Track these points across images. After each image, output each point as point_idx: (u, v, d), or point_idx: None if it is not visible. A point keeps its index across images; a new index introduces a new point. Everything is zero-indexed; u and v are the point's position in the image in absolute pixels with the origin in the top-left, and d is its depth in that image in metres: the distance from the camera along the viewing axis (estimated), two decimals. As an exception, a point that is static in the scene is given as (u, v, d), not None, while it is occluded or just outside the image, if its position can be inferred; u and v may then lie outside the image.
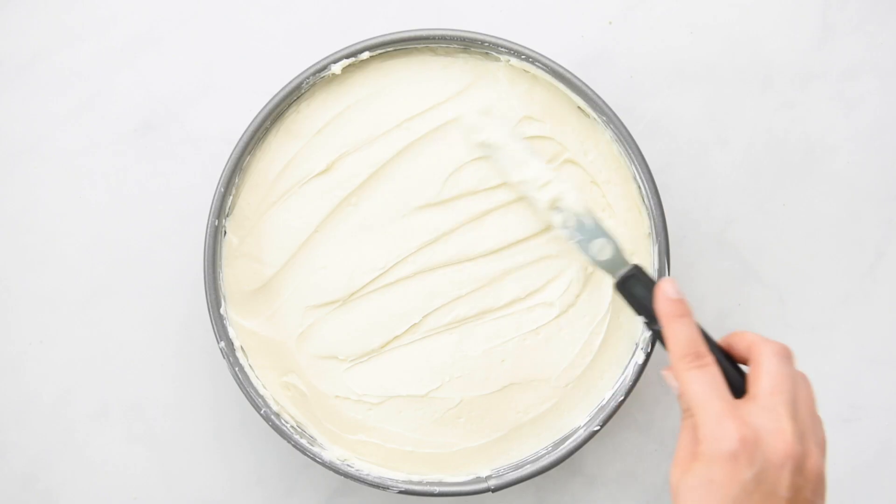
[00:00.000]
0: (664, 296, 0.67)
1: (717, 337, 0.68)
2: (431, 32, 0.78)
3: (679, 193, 0.85)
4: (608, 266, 0.71)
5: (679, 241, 0.84)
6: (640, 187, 0.78)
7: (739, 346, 0.66)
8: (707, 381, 0.63)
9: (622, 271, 0.70)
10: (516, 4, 0.86)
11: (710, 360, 0.64)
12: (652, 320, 0.68)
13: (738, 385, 0.65)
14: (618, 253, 0.71)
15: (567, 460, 0.78)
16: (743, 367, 0.67)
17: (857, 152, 0.86)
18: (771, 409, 0.61)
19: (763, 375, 0.63)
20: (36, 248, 0.85)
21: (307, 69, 0.78)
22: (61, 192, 0.85)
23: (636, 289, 0.70)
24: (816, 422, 0.64)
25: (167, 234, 0.85)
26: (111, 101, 0.86)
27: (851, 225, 0.86)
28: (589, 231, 0.72)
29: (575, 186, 0.77)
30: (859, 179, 0.86)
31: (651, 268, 0.78)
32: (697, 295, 0.85)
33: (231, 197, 0.78)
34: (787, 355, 0.64)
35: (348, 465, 0.77)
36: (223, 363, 0.80)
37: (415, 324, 0.78)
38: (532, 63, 0.78)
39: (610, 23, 0.86)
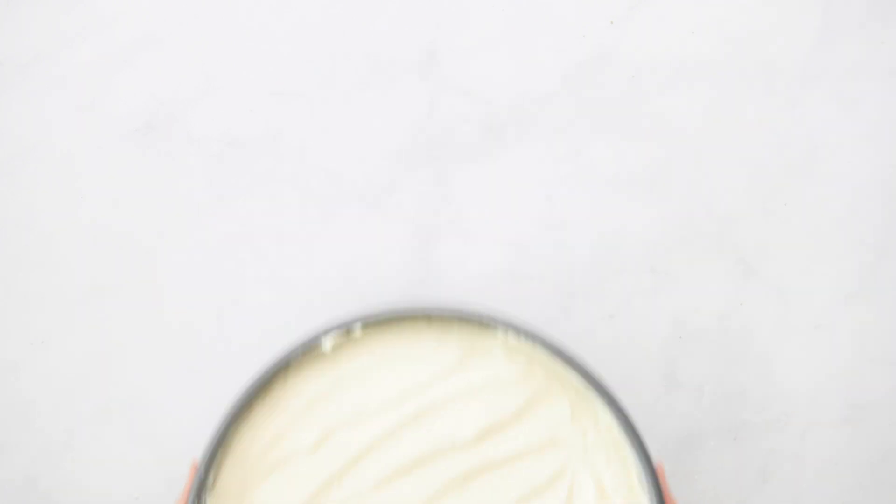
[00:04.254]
0: None
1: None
2: (427, 311, 0.73)
3: (680, 193, 0.85)
4: None
5: (680, 240, 0.84)
6: (639, 474, 0.72)
7: None
8: None
9: None
10: (517, 5, 0.86)
11: None
12: None
13: None
14: None
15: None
16: None
17: (858, 152, 0.86)
18: None
19: None
20: (36, 248, 0.85)
21: (296, 346, 0.72)
22: (61, 192, 0.85)
23: None
24: None
25: (168, 234, 0.85)
26: (112, 102, 0.86)
27: (852, 224, 0.86)
28: None
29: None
30: (860, 179, 0.86)
31: None
32: (698, 295, 0.85)
33: (212, 474, 0.73)
34: None
35: None
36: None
37: None
38: (530, 341, 0.73)
39: (611, 22, 0.86)
